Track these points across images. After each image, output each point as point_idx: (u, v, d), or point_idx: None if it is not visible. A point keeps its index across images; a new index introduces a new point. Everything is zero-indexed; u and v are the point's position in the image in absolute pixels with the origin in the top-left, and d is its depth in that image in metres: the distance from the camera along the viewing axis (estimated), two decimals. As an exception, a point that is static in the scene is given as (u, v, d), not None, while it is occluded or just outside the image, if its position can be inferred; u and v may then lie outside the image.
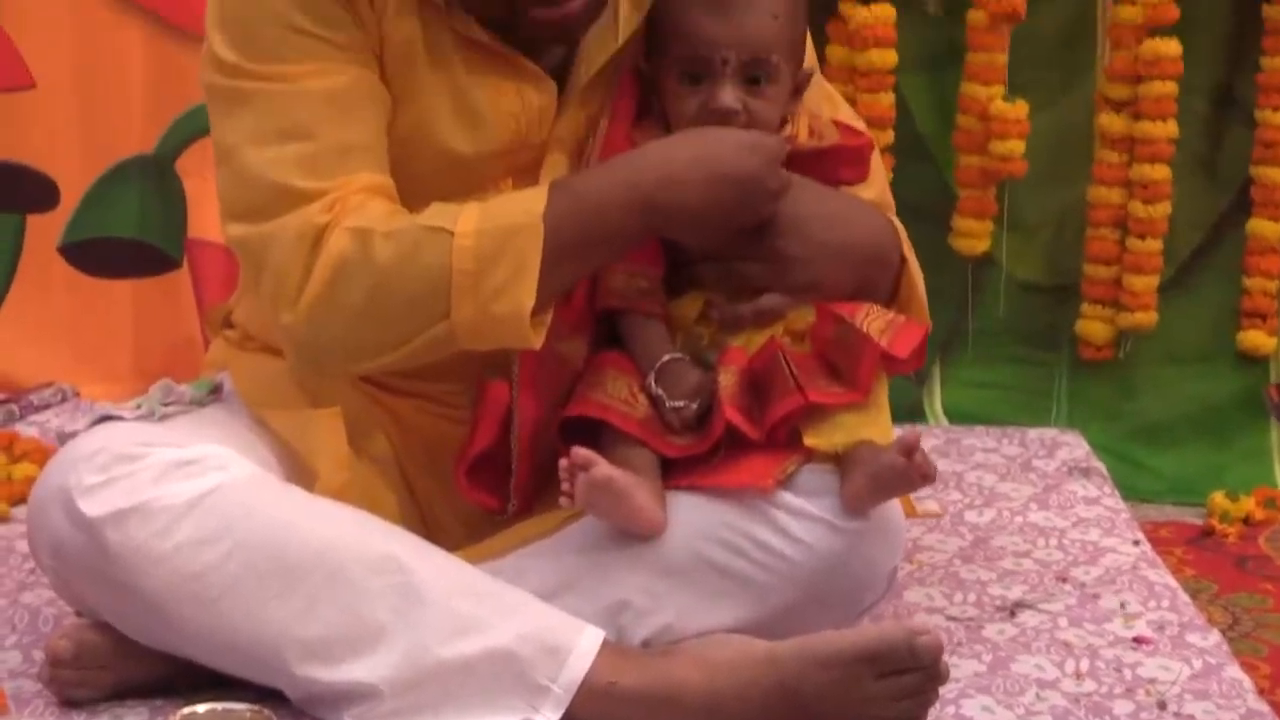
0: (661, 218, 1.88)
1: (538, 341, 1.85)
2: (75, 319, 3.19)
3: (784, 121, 2.00)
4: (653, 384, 1.92)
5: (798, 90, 2.03)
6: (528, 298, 1.81)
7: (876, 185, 2.12)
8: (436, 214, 1.85)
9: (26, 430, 2.96)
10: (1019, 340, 3.17)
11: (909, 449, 1.87)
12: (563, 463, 1.86)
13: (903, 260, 2.04)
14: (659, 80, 1.97)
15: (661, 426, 1.92)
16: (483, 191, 1.95)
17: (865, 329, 1.93)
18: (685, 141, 1.90)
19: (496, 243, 1.81)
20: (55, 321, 3.19)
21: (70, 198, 3.18)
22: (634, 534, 1.90)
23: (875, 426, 1.94)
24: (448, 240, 1.82)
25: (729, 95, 1.93)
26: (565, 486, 1.86)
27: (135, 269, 3.18)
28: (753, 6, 1.94)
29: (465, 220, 1.83)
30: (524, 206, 1.84)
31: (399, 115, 1.94)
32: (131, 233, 3.18)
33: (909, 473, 1.87)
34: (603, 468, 1.85)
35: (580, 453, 1.85)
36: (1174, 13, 2.97)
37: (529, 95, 1.97)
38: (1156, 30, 2.98)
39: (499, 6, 1.89)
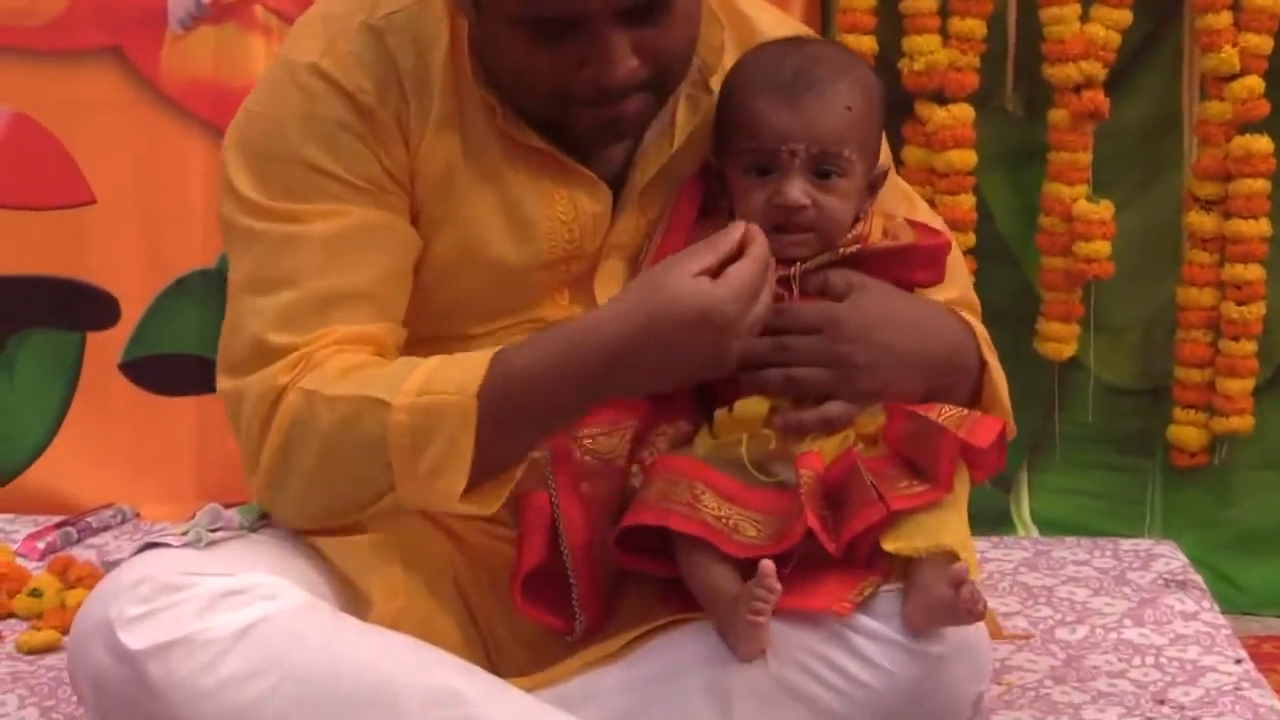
0: (607, 392, 1.83)
1: (493, 507, 1.81)
2: (136, 438, 3.17)
3: (857, 219, 1.95)
4: None
5: (872, 188, 1.98)
6: (460, 479, 1.77)
7: (959, 284, 2.07)
8: (382, 380, 1.80)
9: (84, 554, 2.91)
10: (1109, 446, 3.12)
11: (958, 581, 1.79)
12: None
13: (982, 364, 1.99)
14: (727, 173, 1.92)
15: (728, 527, 1.84)
16: (537, 306, 1.92)
17: (940, 422, 1.87)
18: (627, 311, 1.80)
19: (430, 421, 1.77)
20: (116, 441, 3.17)
21: (131, 314, 3.17)
22: (739, 653, 1.83)
23: (953, 531, 1.86)
24: (384, 413, 1.78)
25: (796, 189, 1.87)
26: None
27: (197, 386, 3.13)
28: (824, 97, 1.88)
29: (405, 391, 1.78)
30: (461, 379, 1.79)
31: (442, 237, 1.90)
32: (193, 349, 3.15)
33: (957, 608, 1.80)
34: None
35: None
36: (1264, 108, 2.94)
37: (583, 202, 1.92)
38: (1246, 126, 2.94)
39: (549, 108, 1.84)
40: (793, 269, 1.91)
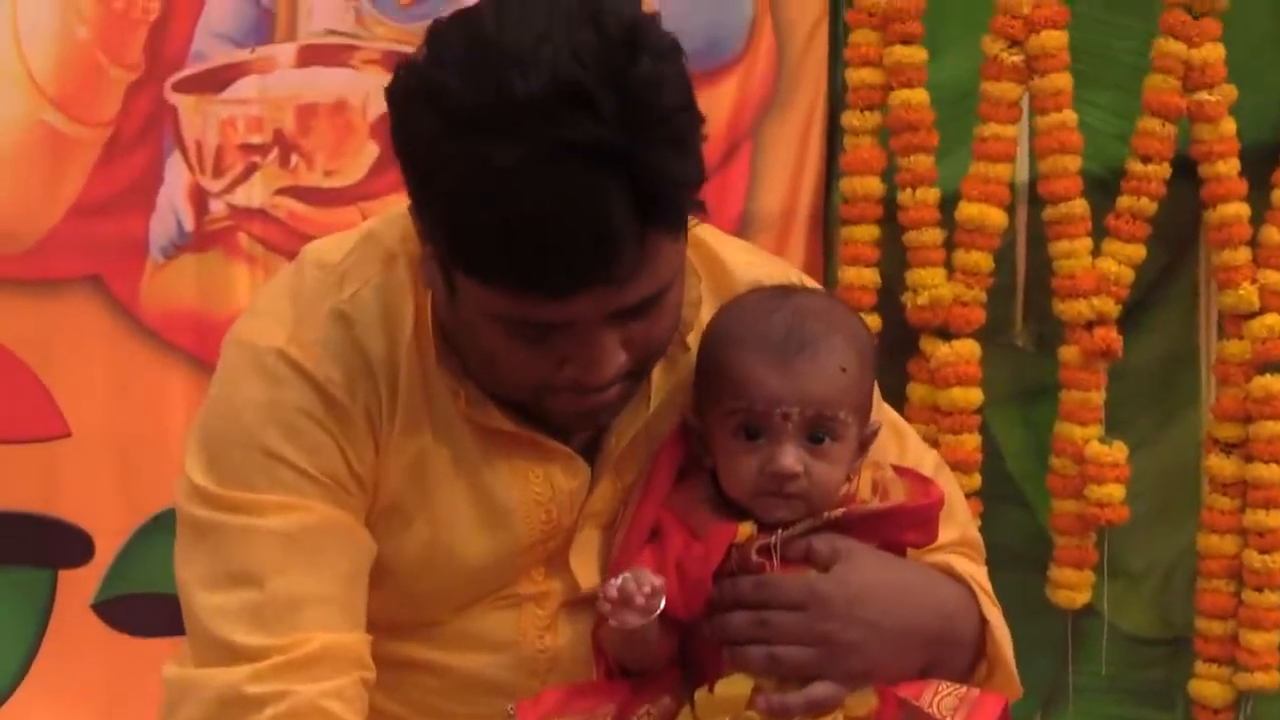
0: None
1: None
2: (110, 681, 3.08)
3: (846, 478, 1.85)
4: None
5: (863, 446, 1.87)
6: None
7: (958, 523, 1.97)
8: None
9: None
10: (1127, 698, 3.09)
11: None
12: None
13: (983, 622, 1.88)
14: (711, 432, 1.83)
15: None
16: (513, 586, 1.83)
17: (935, 710, 1.78)
18: None
19: None
20: (88, 684, 3.09)
21: (105, 552, 3.09)
22: None
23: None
24: None
25: (790, 457, 1.78)
26: None
27: (174, 628, 2.93)
28: (818, 358, 1.80)
29: None
30: None
31: (412, 532, 1.80)
32: (170, 589, 2.92)
33: None
34: None
35: None
36: None
37: (559, 479, 1.83)
38: (1267, 366, 2.91)
39: (522, 397, 1.76)
40: (774, 537, 1.81)
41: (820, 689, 1.78)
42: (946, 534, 1.92)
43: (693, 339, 1.85)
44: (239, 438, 1.75)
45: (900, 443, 2.00)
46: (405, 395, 1.77)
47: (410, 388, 1.78)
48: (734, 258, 1.94)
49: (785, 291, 1.87)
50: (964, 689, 1.81)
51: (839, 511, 1.82)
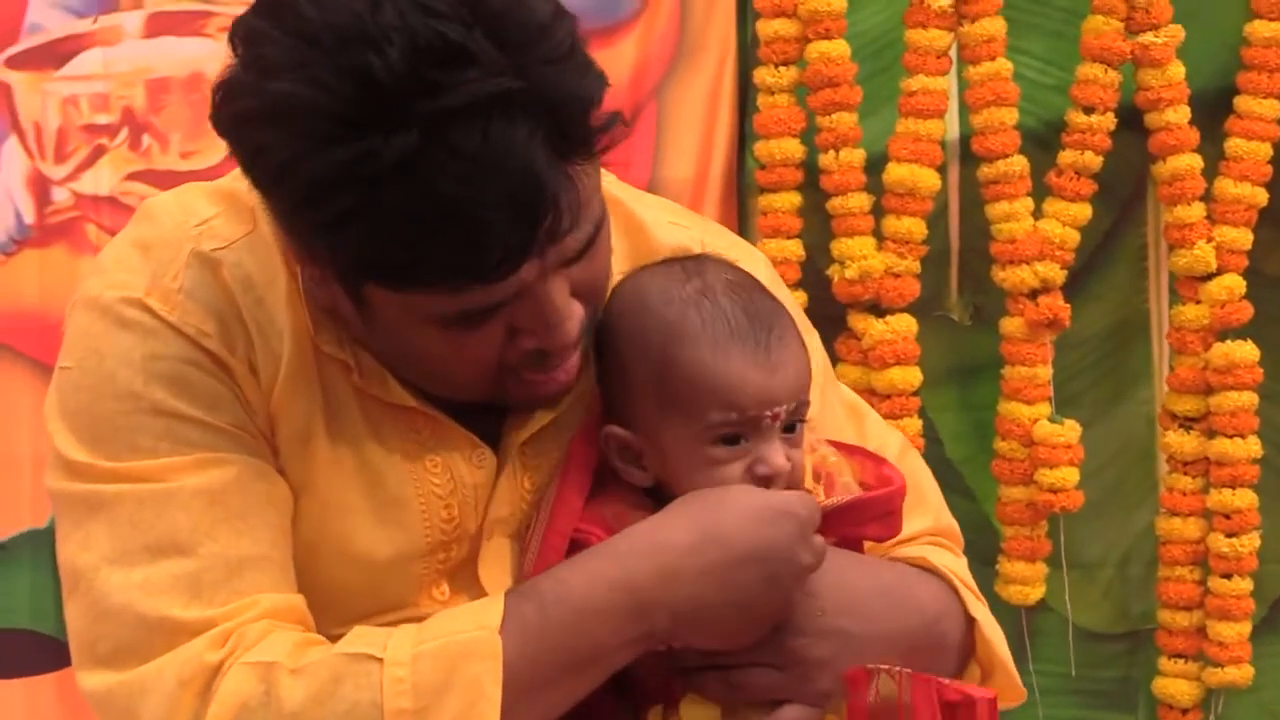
0: (663, 622, 1.60)
1: None
2: None
3: None
4: None
5: None
6: None
7: (929, 509, 1.89)
8: (359, 638, 1.59)
9: None
10: (1088, 701, 2.99)
11: None
12: None
13: (970, 621, 1.80)
14: (664, 448, 1.71)
15: None
16: (411, 603, 1.69)
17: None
18: (684, 517, 1.63)
19: (441, 669, 1.55)
20: None
21: None
22: None
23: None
24: (376, 670, 1.55)
25: (780, 454, 1.70)
26: None
27: (31, 666, 2.95)
28: (786, 340, 1.71)
29: (398, 644, 1.57)
30: (474, 619, 1.57)
31: (301, 511, 1.68)
32: (23, 623, 2.97)
33: None
34: None
35: None
36: (1247, 311, 2.84)
37: (460, 470, 1.70)
38: (1227, 332, 2.85)
39: (482, 387, 1.64)
40: None
41: (790, 712, 1.70)
42: (917, 523, 1.86)
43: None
44: (119, 404, 1.63)
45: (859, 424, 1.93)
46: (290, 354, 1.67)
47: (297, 347, 1.66)
48: (653, 216, 1.84)
49: (696, 262, 1.75)
50: (945, 681, 1.73)
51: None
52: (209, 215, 1.66)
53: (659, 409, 1.71)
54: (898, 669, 1.71)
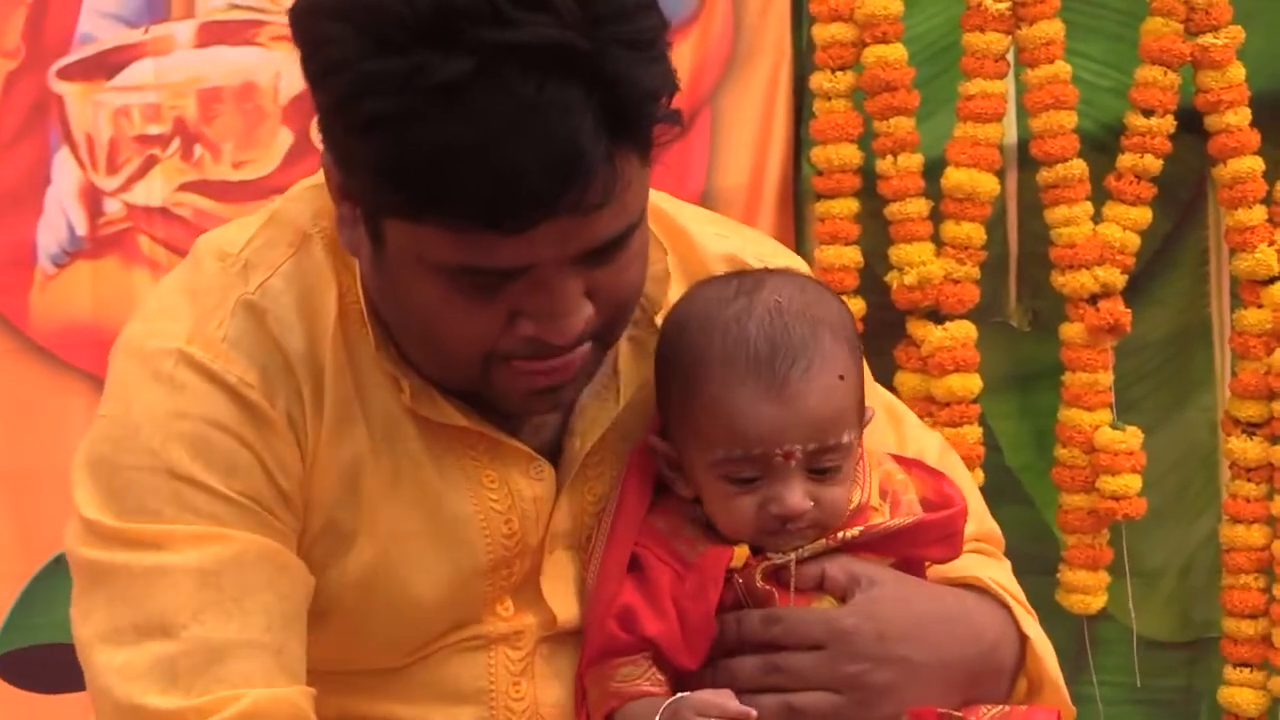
0: None
1: None
2: None
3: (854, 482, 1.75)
4: None
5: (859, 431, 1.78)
6: None
7: (973, 515, 1.87)
8: None
9: None
10: (1151, 710, 2.97)
11: None
12: None
13: (1023, 639, 1.79)
14: (690, 466, 1.71)
15: None
16: (479, 624, 1.70)
17: None
18: None
19: None
20: None
21: (3, 600, 2.96)
22: None
23: None
24: None
25: (797, 495, 1.68)
26: None
27: (80, 681, 2.85)
28: (812, 372, 1.67)
29: None
30: None
31: (354, 555, 1.67)
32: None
33: None
34: None
35: None
36: None
37: (518, 484, 1.69)
38: None
39: (466, 372, 1.61)
40: (788, 558, 1.70)
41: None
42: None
43: (661, 320, 1.74)
44: (137, 459, 1.62)
45: (898, 429, 1.92)
46: (333, 394, 1.64)
47: (339, 385, 1.65)
48: (700, 229, 1.82)
49: (754, 280, 1.72)
50: (1008, 709, 1.76)
51: (855, 531, 1.74)
52: (248, 238, 1.66)
53: (685, 431, 1.71)
54: (960, 715, 1.71)
